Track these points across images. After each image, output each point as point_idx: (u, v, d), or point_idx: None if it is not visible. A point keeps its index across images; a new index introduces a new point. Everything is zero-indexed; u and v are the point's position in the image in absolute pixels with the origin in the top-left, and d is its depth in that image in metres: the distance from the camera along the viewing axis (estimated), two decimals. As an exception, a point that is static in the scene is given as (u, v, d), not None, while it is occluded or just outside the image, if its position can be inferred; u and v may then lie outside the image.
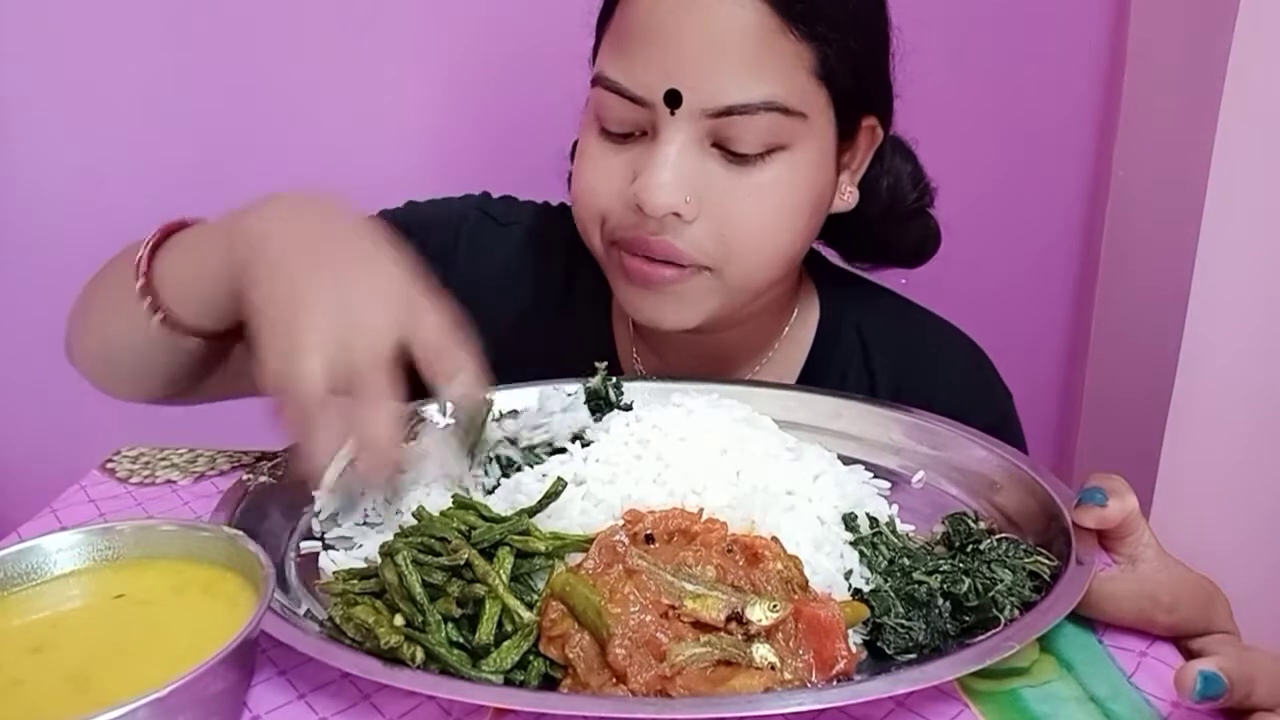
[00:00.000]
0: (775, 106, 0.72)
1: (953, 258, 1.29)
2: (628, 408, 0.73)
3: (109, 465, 0.80)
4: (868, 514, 0.63)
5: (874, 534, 0.61)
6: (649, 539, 0.55)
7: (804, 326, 0.93)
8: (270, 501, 0.65)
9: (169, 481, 0.77)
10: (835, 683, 0.49)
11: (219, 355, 0.80)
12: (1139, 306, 1.27)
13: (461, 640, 0.51)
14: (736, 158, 0.74)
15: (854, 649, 0.51)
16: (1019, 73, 1.37)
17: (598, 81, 0.77)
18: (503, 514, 0.58)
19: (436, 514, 0.58)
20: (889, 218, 0.89)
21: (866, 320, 0.93)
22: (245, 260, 0.65)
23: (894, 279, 0.97)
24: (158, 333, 0.75)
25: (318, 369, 0.57)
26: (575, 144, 0.89)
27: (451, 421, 0.67)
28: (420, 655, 0.49)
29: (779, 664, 0.49)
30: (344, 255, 0.64)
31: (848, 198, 0.84)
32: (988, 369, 0.93)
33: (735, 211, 0.75)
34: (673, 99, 0.72)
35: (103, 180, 1.45)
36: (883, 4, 0.81)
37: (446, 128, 1.44)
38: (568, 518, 0.60)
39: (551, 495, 0.58)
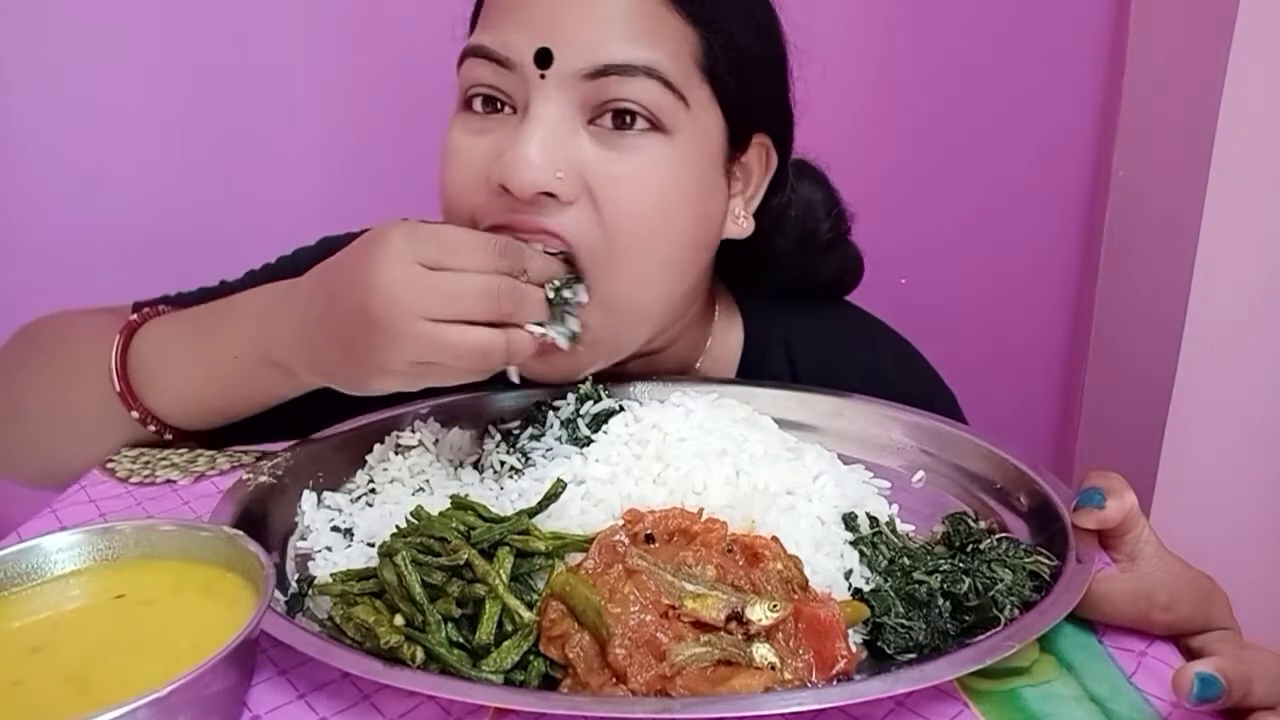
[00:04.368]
0: (655, 74, 0.67)
1: (953, 258, 1.29)
2: (614, 411, 0.73)
3: (109, 465, 0.80)
4: (868, 514, 0.63)
5: (874, 534, 0.61)
6: (649, 539, 0.55)
7: (726, 346, 0.89)
8: (270, 501, 0.65)
9: (169, 481, 0.77)
10: (835, 682, 0.49)
11: None
12: (1139, 306, 1.27)
13: (461, 640, 0.51)
14: (612, 132, 0.68)
15: (854, 649, 0.51)
16: (1019, 73, 1.37)
17: (464, 55, 0.71)
18: (502, 514, 0.58)
19: (436, 514, 0.58)
20: (804, 249, 0.86)
21: (795, 334, 0.89)
22: (306, 377, 0.70)
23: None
24: (140, 436, 0.77)
25: (469, 332, 0.62)
26: None
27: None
28: (420, 655, 0.49)
29: (779, 664, 0.49)
30: (354, 294, 0.64)
31: (742, 224, 0.79)
32: (922, 376, 0.91)
33: (616, 196, 0.68)
34: (543, 58, 0.66)
35: (105, 182, 1.46)
36: (777, 21, 0.78)
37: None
38: (568, 518, 0.60)
39: (551, 496, 0.58)
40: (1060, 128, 1.40)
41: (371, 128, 1.45)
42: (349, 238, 0.91)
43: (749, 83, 0.74)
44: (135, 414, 0.76)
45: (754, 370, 0.88)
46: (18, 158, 1.46)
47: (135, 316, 0.79)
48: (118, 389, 0.75)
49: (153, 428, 0.76)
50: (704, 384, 0.80)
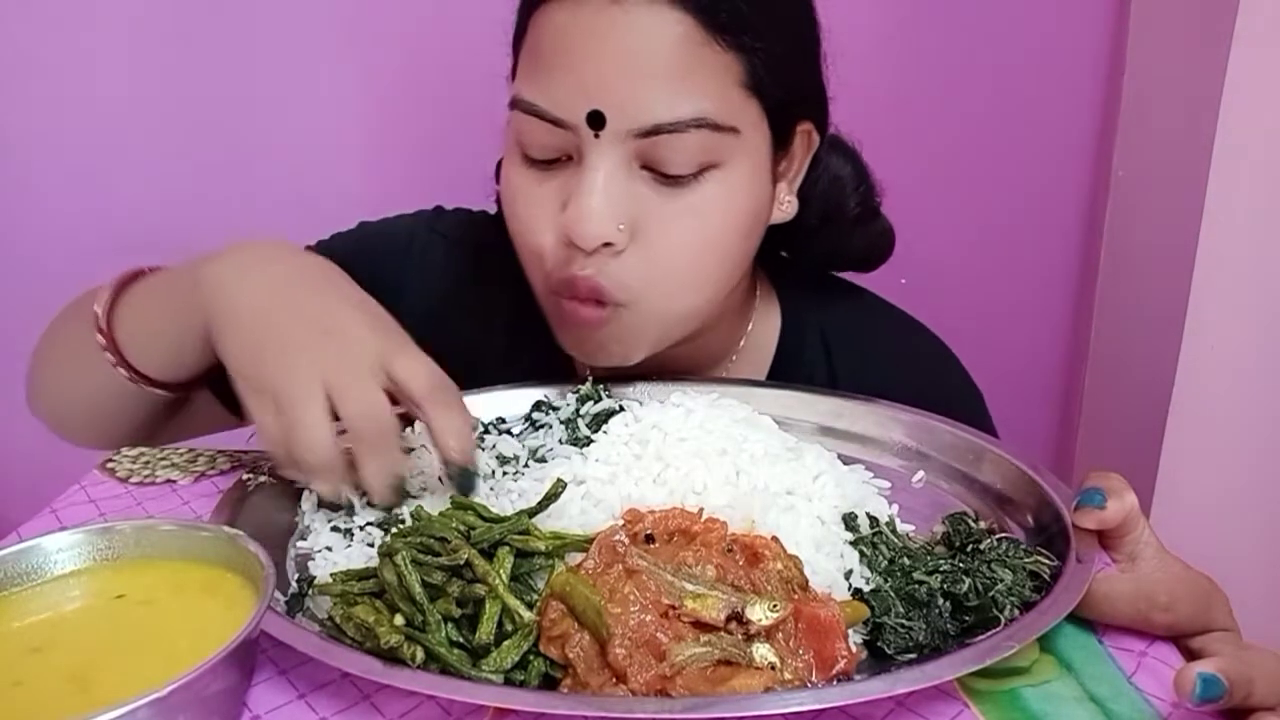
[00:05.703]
0: (705, 123, 0.68)
1: (952, 258, 1.29)
2: (614, 411, 0.73)
3: (109, 465, 0.80)
4: (868, 514, 0.63)
5: (874, 534, 0.61)
6: (649, 539, 0.55)
7: (765, 332, 0.90)
8: (270, 501, 0.65)
9: (169, 481, 0.77)
10: (835, 682, 0.49)
11: (182, 402, 0.82)
12: (1139, 307, 1.27)
13: (461, 640, 0.51)
14: (667, 179, 0.70)
15: (854, 649, 0.51)
16: (1019, 73, 1.37)
17: (515, 105, 0.72)
18: (502, 514, 0.58)
19: (435, 514, 0.58)
20: (830, 224, 0.86)
21: (830, 322, 0.90)
22: (210, 314, 0.67)
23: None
24: (121, 385, 0.76)
25: (321, 435, 0.60)
26: (498, 164, 0.87)
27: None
28: (420, 655, 0.49)
29: (779, 664, 0.49)
30: (314, 307, 0.65)
31: (786, 208, 0.80)
32: (954, 370, 0.91)
33: (669, 235, 0.71)
34: (596, 120, 0.68)
35: (104, 182, 1.46)
36: (810, 6, 0.78)
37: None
38: (568, 518, 0.60)
39: (551, 496, 0.58)
40: (1060, 128, 1.40)
41: (375, 125, 1.46)
42: (385, 223, 0.95)
43: (793, 85, 0.75)
44: (101, 339, 0.74)
45: (790, 357, 0.89)
46: (18, 157, 1.46)
47: (147, 266, 0.79)
48: (98, 309, 0.74)
49: (110, 356, 0.75)
50: (704, 384, 0.80)
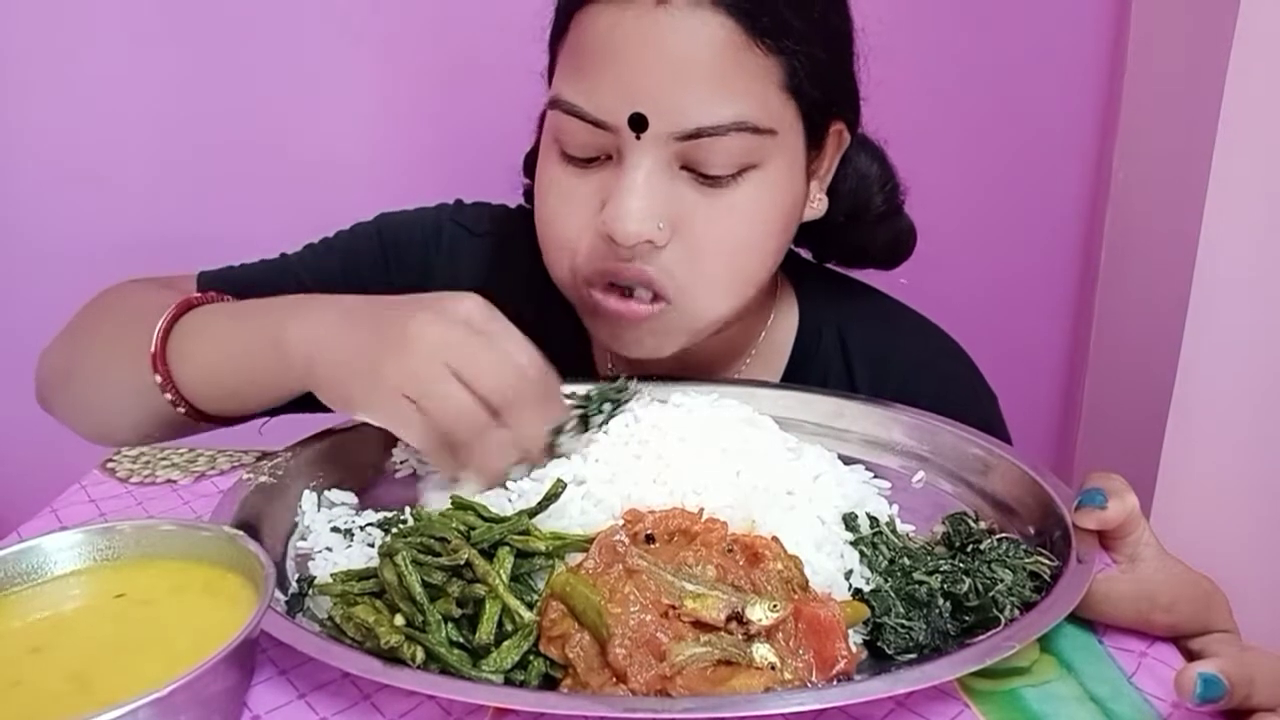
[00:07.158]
0: (745, 126, 0.69)
1: (953, 259, 1.29)
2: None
3: (109, 465, 0.80)
4: (868, 514, 0.63)
5: (874, 534, 0.61)
6: (649, 539, 0.55)
7: (782, 330, 0.91)
8: (270, 501, 0.65)
9: (169, 481, 0.77)
10: (835, 682, 0.49)
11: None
12: (1139, 307, 1.27)
13: (461, 640, 0.51)
14: (707, 180, 0.71)
15: (854, 649, 0.51)
16: (1020, 73, 1.37)
17: (555, 104, 0.72)
18: (502, 514, 0.58)
19: (436, 514, 0.58)
20: (855, 221, 0.87)
21: (847, 322, 0.90)
22: (311, 370, 0.65)
23: (894, 280, 0.97)
24: (176, 416, 0.75)
25: (462, 398, 0.60)
26: (527, 157, 0.87)
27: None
28: (420, 655, 0.49)
29: (779, 664, 0.49)
30: (396, 313, 0.64)
31: (817, 205, 0.82)
32: (970, 373, 0.91)
33: (708, 234, 0.72)
34: (638, 123, 0.68)
35: (103, 183, 1.46)
36: (845, 8, 0.79)
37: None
38: (568, 518, 0.60)
39: (551, 496, 0.58)
40: (1060, 128, 1.40)
41: (375, 127, 1.46)
42: (406, 213, 0.94)
43: (829, 85, 0.76)
44: (158, 377, 0.73)
45: (807, 355, 0.90)
46: (18, 158, 1.46)
47: (196, 296, 0.78)
48: (153, 349, 0.73)
49: (169, 395, 0.73)
50: (704, 384, 0.79)
